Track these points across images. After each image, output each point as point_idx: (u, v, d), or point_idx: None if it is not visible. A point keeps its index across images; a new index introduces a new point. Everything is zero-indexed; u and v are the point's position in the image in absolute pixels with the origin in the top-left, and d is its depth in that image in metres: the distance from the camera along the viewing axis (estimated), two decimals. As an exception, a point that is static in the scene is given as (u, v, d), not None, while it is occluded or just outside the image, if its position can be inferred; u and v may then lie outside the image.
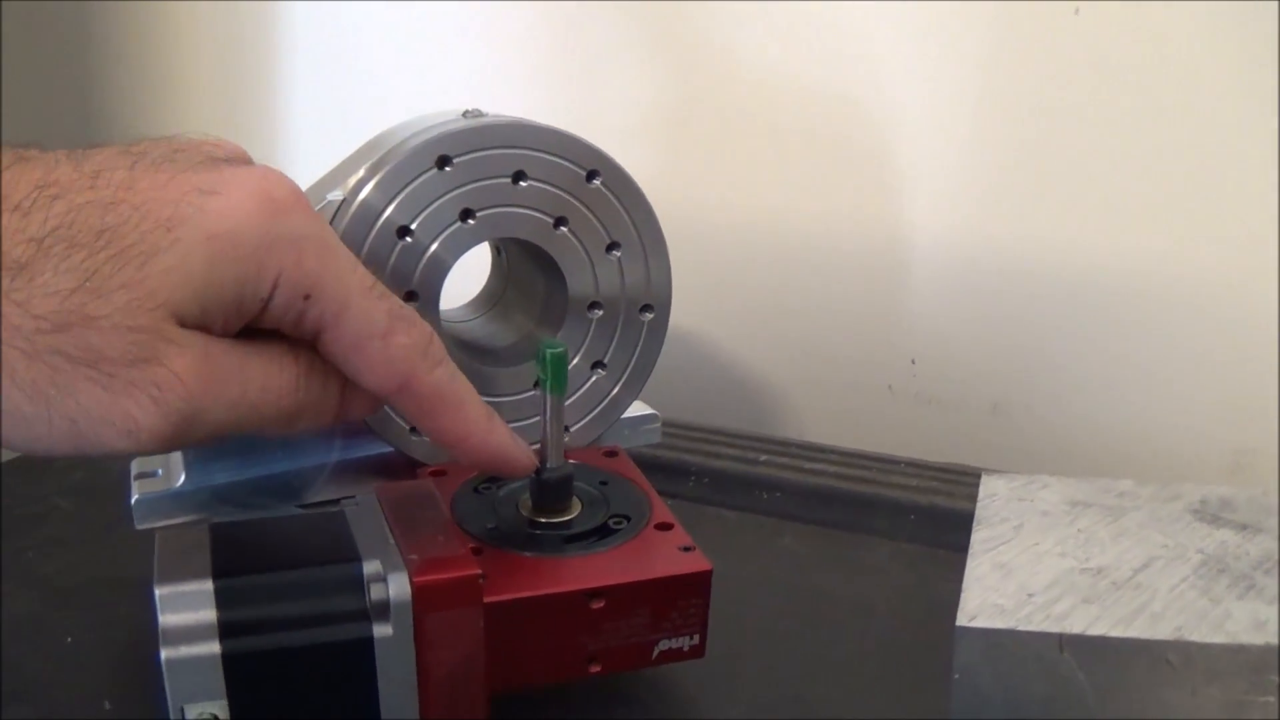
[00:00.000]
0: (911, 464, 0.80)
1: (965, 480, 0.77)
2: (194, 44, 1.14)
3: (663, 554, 0.56)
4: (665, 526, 0.57)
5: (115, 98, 1.18)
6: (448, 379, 0.52)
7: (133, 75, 1.17)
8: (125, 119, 1.18)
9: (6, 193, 0.44)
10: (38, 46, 1.17)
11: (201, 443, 0.48)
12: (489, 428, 0.54)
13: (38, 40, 1.17)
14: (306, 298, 0.48)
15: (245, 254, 0.46)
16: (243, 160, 0.51)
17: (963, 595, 0.50)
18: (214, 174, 0.47)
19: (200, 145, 0.50)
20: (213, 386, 0.46)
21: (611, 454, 0.64)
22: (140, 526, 0.59)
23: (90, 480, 0.77)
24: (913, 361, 0.92)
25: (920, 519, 0.74)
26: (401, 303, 0.51)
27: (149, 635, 0.47)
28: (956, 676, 0.49)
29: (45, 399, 0.44)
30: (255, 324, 0.49)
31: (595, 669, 0.54)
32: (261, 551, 0.51)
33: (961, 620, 0.49)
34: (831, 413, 0.95)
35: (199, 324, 0.46)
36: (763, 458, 0.81)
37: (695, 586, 0.54)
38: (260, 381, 0.49)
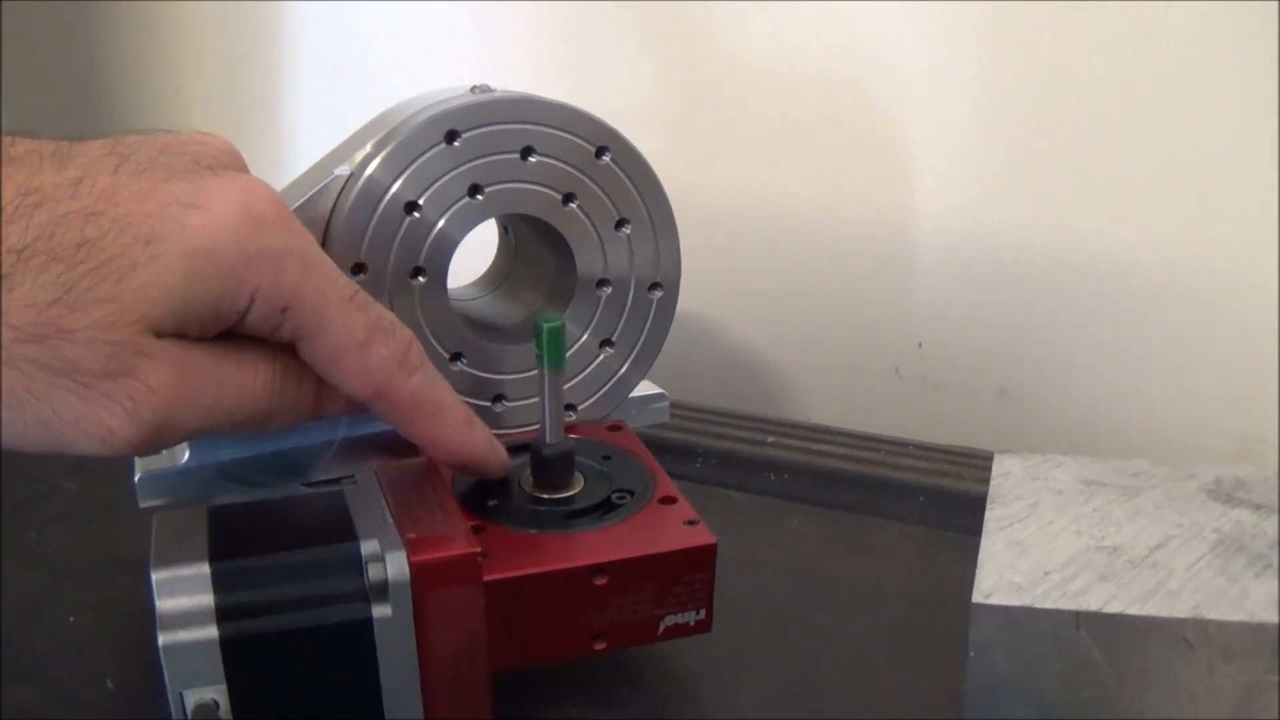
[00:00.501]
0: (920, 446, 0.80)
1: (974, 463, 0.77)
2: (197, 42, 1.14)
3: (667, 528, 0.55)
4: (669, 500, 0.57)
5: (117, 95, 1.18)
6: (425, 386, 0.53)
7: (135, 73, 1.16)
8: (127, 117, 1.18)
9: None
10: (39, 45, 1.17)
11: (175, 444, 0.49)
12: (466, 432, 0.55)
13: (39, 39, 1.17)
14: (284, 310, 0.48)
15: (223, 270, 0.46)
16: (231, 162, 0.50)
17: (978, 572, 0.50)
18: (196, 184, 0.47)
19: (187, 145, 0.49)
20: (186, 396, 0.47)
21: (615, 428, 0.64)
22: (144, 504, 0.59)
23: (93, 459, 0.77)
24: (920, 345, 0.92)
25: (929, 501, 0.74)
26: (383, 311, 0.52)
27: (150, 616, 0.47)
28: (972, 654, 0.49)
29: (20, 404, 0.44)
30: (233, 330, 0.49)
31: (600, 646, 0.54)
32: (258, 533, 0.51)
33: (977, 598, 0.48)
34: (838, 395, 0.95)
35: (175, 333, 0.46)
36: (770, 439, 0.80)
37: (701, 560, 0.54)
38: (235, 388, 0.49)
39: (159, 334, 0.45)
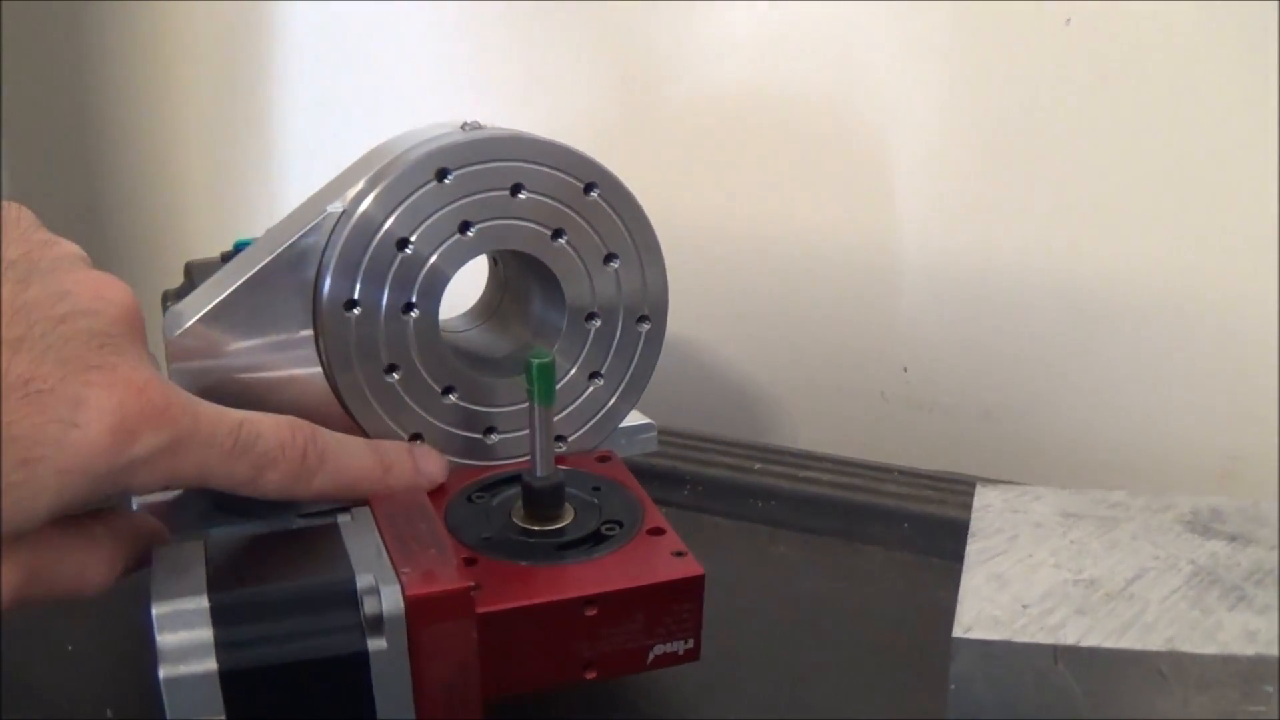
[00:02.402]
0: (905, 472, 0.80)
1: (958, 488, 0.77)
2: (191, 46, 1.14)
3: (656, 559, 0.56)
4: (658, 532, 0.58)
5: (111, 118, 1.19)
6: (331, 478, 0.55)
7: (130, 77, 1.17)
8: (123, 141, 1.19)
9: None
10: (35, 50, 1.17)
11: None
12: (387, 478, 0.58)
13: (35, 43, 1.17)
14: (165, 485, 0.51)
15: (95, 484, 0.47)
16: (127, 330, 0.50)
17: (959, 607, 0.51)
18: (79, 393, 0.46)
19: (85, 313, 0.48)
20: (24, 589, 0.47)
21: (604, 459, 0.65)
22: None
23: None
24: (905, 369, 0.92)
25: (914, 527, 0.75)
26: (269, 438, 0.53)
27: (149, 644, 0.47)
28: (953, 687, 0.50)
29: None
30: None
31: (591, 675, 0.54)
32: (256, 567, 0.52)
33: (958, 631, 0.49)
34: (824, 419, 0.96)
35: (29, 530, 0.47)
36: (757, 465, 0.81)
37: (688, 591, 0.55)
38: (75, 573, 0.50)
39: (12, 538, 0.46)
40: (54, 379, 0.46)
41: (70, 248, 0.51)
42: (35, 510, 0.45)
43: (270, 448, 0.52)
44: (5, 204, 0.50)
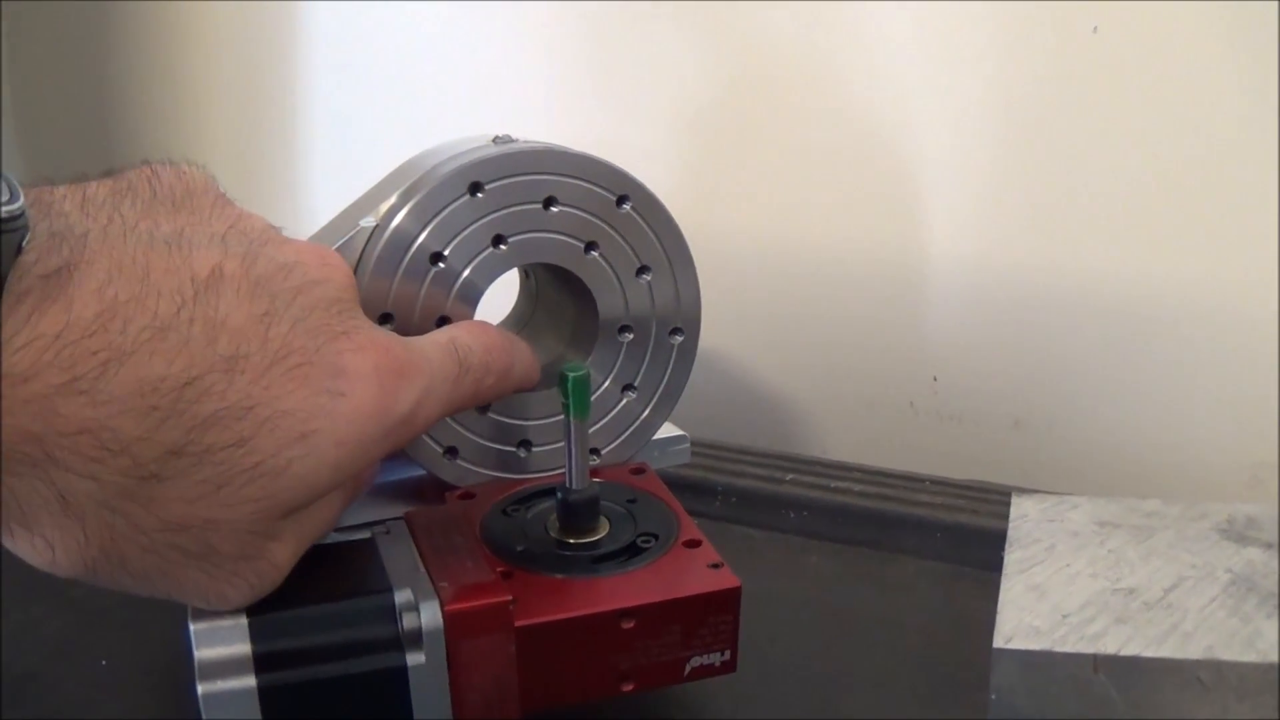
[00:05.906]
0: (936, 482, 0.80)
1: (990, 498, 0.77)
2: (212, 52, 1.14)
3: (692, 572, 0.56)
4: (694, 544, 0.58)
5: (131, 127, 1.19)
6: (520, 366, 0.58)
7: (151, 89, 1.17)
8: (145, 134, 1.19)
9: (148, 393, 0.43)
10: (53, 60, 1.18)
11: None
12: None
13: (54, 54, 1.17)
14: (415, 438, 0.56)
15: (367, 453, 0.49)
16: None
17: (998, 617, 0.51)
18: (337, 363, 0.48)
19: (299, 275, 0.49)
20: (298, 558, 0.50)
21: (639, 471, 0.65)
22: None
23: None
24: (934, 379, 0.92)
25: (946, 537, 0.75)
26: (473, 353, 0.55)
27: (184, 657, 0.48)
28: (993, 697, 0.50)
29: (150, 582, 0.46)
30: None
31: (628, 687, 0.54)
32: (294, 583, 0.51)
33: (998, 642, 0.49)
34: (854, 430, 0.96)
35: None
36: (789, 476, 0.81)
37: (725, 603, 0.55)
38: (328, 526, 0.52)
39: (293, 512, 0.48)
40: (310, 350, 0.47)
41: (262, 219, 0.51)
42: (316, 484, 0.47)
43: (480, 355, 0.55)
44: (189, 170, 0.51)
